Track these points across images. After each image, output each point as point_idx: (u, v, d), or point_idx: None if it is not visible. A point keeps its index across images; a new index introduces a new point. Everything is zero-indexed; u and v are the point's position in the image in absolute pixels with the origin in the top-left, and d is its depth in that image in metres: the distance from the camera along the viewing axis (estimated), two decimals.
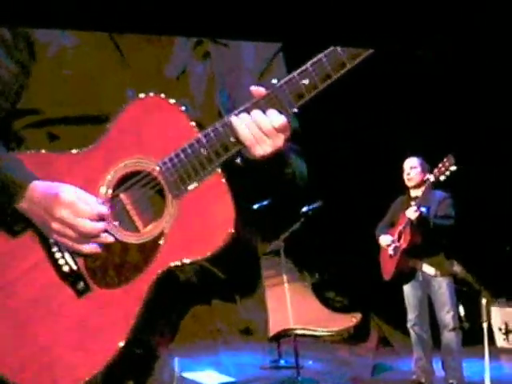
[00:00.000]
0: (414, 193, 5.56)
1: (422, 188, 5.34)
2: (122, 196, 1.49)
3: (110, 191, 1.49)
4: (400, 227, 5.46)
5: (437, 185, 5.33)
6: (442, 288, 5.43)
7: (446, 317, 5.41)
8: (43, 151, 1.53)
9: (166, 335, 1.57)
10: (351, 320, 7.21)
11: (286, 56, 1.66)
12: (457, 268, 6.97)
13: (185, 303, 1.58)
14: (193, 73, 1.58)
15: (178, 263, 1.45)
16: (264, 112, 1.40)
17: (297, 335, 5.68)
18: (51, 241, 1.49)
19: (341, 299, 8.10)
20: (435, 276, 5.45)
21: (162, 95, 1.49)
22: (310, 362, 5.88)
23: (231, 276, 1.53)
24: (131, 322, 1.45)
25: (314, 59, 1.43)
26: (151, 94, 1.49)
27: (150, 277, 1.46)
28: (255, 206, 1.63)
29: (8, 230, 1.50)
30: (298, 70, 1.44)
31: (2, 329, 1.48)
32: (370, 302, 7.72)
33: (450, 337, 5.42)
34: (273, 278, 6.36)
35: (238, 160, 1.46)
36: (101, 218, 1.46)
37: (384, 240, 5.60)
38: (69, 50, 1.56)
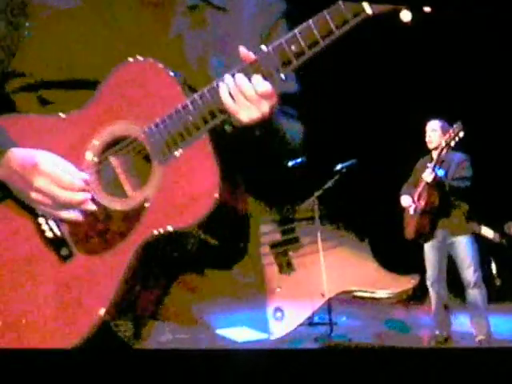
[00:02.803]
0: (435, 155, 5.67)
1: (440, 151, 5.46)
2: (112, 159, 1.47)
3: (96, 157, 1.47)
4: (419, 188, 5.63)
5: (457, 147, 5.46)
6: (462, 246, 5.55)
7: (468, 274, 5.53)
8: (31, 114, 1.52)
9: (150, 305, 1.53)
10: (410, 281, 7.31)
11: (291, 21, 1.60)
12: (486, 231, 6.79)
13: (171, 272, 1.53)
14: (187, 39, 1.55)
15: (162, 231, 1.41)
16: (250, 78, 1.38)
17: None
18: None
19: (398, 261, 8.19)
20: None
21: (152, 59, 1.46)
22: (344, 319, 6.14)
23: (224, 242, 1.50)
24: (113, 290, 1.41)
25: (303, 25, 1.39)
26: (140, 58, 1.46)
27: (133, 244, 1.42)
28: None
29: None
30: (287, 36, 1.39)
31: None
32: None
33: (473, 294, 5.53)
34: (329, 240, 6.55)
35: (226, 126, 1.43)
36: (81, 188, 1.45)
37: (404, 200, 5.76)
38: (62, 12, 1.54)
